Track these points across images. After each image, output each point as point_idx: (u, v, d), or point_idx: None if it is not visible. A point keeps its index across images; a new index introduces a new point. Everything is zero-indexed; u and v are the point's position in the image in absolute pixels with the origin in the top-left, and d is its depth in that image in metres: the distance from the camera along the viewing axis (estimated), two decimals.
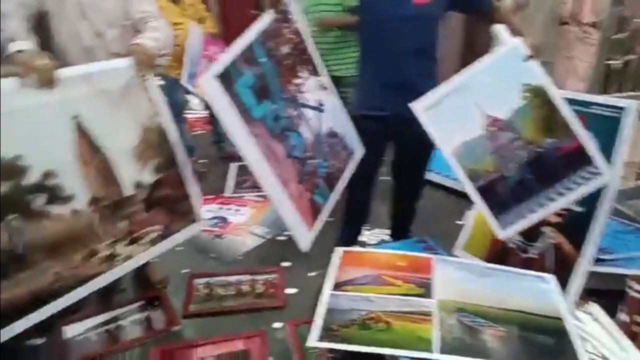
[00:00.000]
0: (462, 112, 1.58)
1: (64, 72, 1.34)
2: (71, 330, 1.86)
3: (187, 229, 1.66)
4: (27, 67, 1.26)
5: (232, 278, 2.19)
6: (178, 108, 2.89)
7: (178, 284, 2.16)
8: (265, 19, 1.49)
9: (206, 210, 2.75)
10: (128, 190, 1.48)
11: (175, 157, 1.62)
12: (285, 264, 2.31)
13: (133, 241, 1.48)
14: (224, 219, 2.80)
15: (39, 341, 1.83)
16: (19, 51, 1.32)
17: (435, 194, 2.88)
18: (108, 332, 1.87)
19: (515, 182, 1.62)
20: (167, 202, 1.58)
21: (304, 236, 1.54)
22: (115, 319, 1.93)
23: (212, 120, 3.46)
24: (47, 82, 1.28)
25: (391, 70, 1.78)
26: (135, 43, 1.54)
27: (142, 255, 1.51)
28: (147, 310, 1.99)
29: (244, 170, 3.28)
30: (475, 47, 3.87)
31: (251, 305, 2.00)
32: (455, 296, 1.47)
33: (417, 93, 1.59)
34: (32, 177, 1.25)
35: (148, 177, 1.53)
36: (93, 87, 1.40)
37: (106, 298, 1.94)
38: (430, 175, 2.65)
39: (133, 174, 1.49)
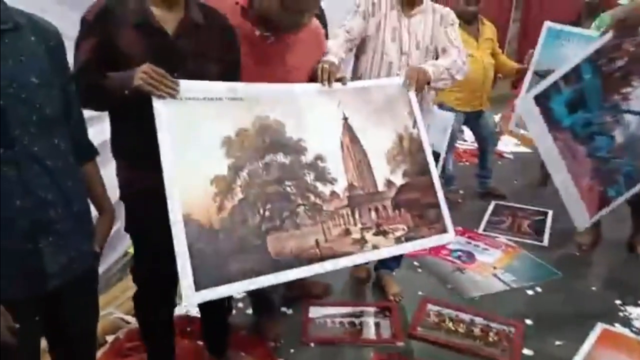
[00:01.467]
0: None
1: (352, 84, 1.69)
2: (315, 312, 2.24)
3: (434, 237, 1.68)
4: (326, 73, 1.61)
5: (466, 316, 2.18)
6: (450, 137, 3.04)
7: (410, 304, 2.30)
8: (604, 38, 1.71)
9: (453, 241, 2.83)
10: (379, 185, 1.63)
11: (428, 167, 1.73)
12: (528, 321, 2.20)
13: (380, 233, 1.58)
14: (470, 255, 2.81)
15: (289, 311, 2.28)
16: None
17: None
18: (342, 324, 2.17)
19: None
20: (415, 206, 1.66)
21: (581, 216, 1.81)
22: (351, 315, 2.22)
23: (482, 156, 3.57)
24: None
25: None
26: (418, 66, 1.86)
27: (386, 250, 1.59)
28: (379, 317, 2.18)
29: (502, 210, 3.35)
30: None
31: (480, 352, 1.95)
32: None
33: None
34: (308, 157, 1.53)
35: (398, 178, 1.66)
36: (364, 97, 1.69)
37: None
38: None
39: (384, 173, 1.65)
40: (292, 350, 2.05)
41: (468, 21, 3.14)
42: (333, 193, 1.55)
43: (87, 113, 1.31)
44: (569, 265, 2.70)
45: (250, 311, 2.24)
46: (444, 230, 1.70)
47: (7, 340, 1.02)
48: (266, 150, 1.48)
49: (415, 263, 2.74)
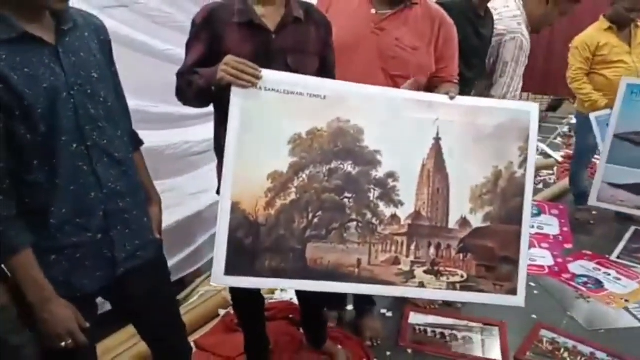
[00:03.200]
0: None
1: (462, 100, 1.47)
2: (415, 318, 2.23)
3: (497, 296, 1.49)
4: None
5: (586, 349, 2.01)
6: (587, 150, 2.99)
7: (521, 326, 2.16)
8: None
9: (578, 265, 2.75)
10: (451, 222, 1.45)
11: (520, 216, 1.48)
12: None
13: (433, 273, 1.45)
14: (598, 282, 2.58)
15: (389, 314, 2.30)
16: None
17: None
18: (442, 335, 2.12)
19: None
20: (485, 255, 1.47)
21: None
22: (452, 327, 2.16)
23: None
24: None
25: None
26: None
27: (433, 292, 1.46)
28: (485, 334, 2.10)
29: None
30: None
31: None
32: None
33: None
34: (380, 172, 1.41)
35: (477, 220, 1.46)
36: (472, 119, 1.46)
37: None
38: None
39: (462, 210, 1.46)
40: (388, 353, 2.05)
41: (622, 25, 2.90)
42: (394, 216, 1.43)
43: None
44: None
45: (351, 307, 2.29)
46: (512, 292, 1.49)
47: (81, 340, 1.08)
48: (335, 156, 1.40)
49: (532, 283, 2.51)
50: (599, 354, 1.96)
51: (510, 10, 2.20)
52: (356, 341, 2.07)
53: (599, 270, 2.68)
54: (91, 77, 1.06)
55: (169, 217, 1.98)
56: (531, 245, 2.81)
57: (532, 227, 3.07)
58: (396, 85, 1.63)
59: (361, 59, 1.65)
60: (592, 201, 2.56)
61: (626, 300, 2.37)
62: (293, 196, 1.38)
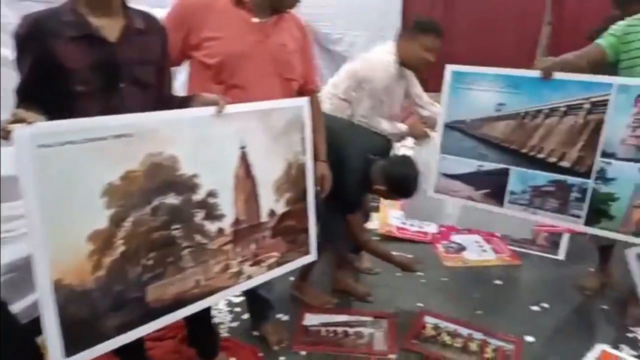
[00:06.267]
0: None
1: (243, 107, 1.49)
2: (310, 319, 2.25)
3: (299, 260, 1.79)
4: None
5: (465, 330, 2.16)
6: None
7: (409, 316, 2.30)
8: None
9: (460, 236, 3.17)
10: (263, 217, 1.62)
11: (306, 193, 1.75)
12: (530, 338, 2.17)
13: (256, 263, 1.62)
14: (461, 247, 3.09)
15: (285, 317, 2.29)
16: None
17: None
18: (335, 333, 2.15)
19: None
20: (290, 233, 1.71)
21: None
22: (346, 324, 2.21)
23: None
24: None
25: None
26: None
27: (259, 278, 1.64)
28: (375, 327, 2.19)
29: None
30: None
31: None
32: None
33: None
34: (200, 194, 1.41)
35: (280, 207, 1.66)
36: (263, 123, 1.55)
37: None
38: None
39: (269, 203, 1.63)
40: (281, 358, 2.03)
41: None
42: (220, 230, 1.49)
43: None
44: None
45: (247, 316, 2.22)
46: (307, 252, 1.82)
47: None
48: (156, 192, 1.31)
49: (419, 273, 2.63)
50: (475, 334, 2.12)
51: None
52: (249, 350, 2.05)
53: (478, 242, 3.10)
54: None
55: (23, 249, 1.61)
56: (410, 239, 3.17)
57: (413, 225, 3.33)
58: (291, 88, 1.75)
59: (257, 67, 1.65)
60: (430, 193, 2.40)
61: (464, 263, 2.85)
62: (121, 248, 1.26)
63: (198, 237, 1.43)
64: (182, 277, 1.41)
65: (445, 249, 3.05)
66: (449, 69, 2.23)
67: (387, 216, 3.41)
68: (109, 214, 1.22)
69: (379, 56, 2.40)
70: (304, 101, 1.69)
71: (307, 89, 1.86)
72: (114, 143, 1.20)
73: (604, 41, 2.08)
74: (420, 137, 2.67)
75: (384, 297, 2.49)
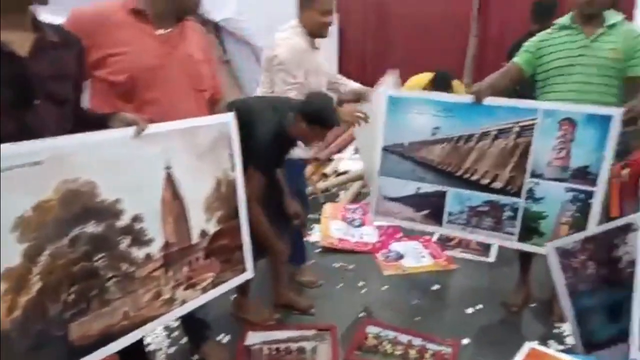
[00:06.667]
0: None
1: (166, 126, 1.44)
2: (252, 338, 2.18)
3: (236, 279, 1.75)
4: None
5: (405, 337, 2.18)
6: None
7: (352, 327, 2.29)
8: None
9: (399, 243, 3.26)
10: (194, 238, 1.57)
11: (238, 210, 1.72)
12: (466, 340, 2.23)
13: (190, 287, 1.57)
14: (399, 255, 3.15)
15: (226, 338, 2.21)
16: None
17: None
18: (277, 350, 2.10)
19: None
20: (224, 252, 1.68)
21: None
22: (288, 340, 2.16)
23: None
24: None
25: None
26: None
27: (194, 302, 1.59)
28: (318, 340, 2.15)
29: None
30: None
31: None
32: None
33: None
34: (124, 220, 1.35)
35: (212, 227, 1.63)
36: (188, 141, 1.52)
37: None
38: None
39: (200, 223, 1.58)
40: None
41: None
42: (148, 256, 1.43)
43: None
44: (510, 282, 2.63)
45: (185, 340, 2.14)
46: (244, 270, 1.79)
47: None
48: (74, 222, 1.24)
49: (360, 283, 2.73)
50: (414, 340, 2.17)
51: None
52: None
53: (417, 248, 3.15)
54: None
55: None
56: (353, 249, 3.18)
57: (354, 236, 3.33)
58: (203, 99, 1.71)
59: (168, 80, 1.60)
60: (372, 214, 2.47)
61: (403, 270, 2.91)
62: (38, 285, 1.17)
63: (124, 266, 1.37)
64: (109, 310, 1.33)
65: (384, 258, 3.09)
66: (385, 94, 2.29)
67: (329, 228, 3.42)
68: (21, 249, 1.13)
69: (283, 34, 2.37)
70: (229, 117, 1.67)
71: (215, 100, 1.84)
72: (22, 172, 1.12)
73: (519, 59, 2.24)
74: (354, 120, 2.42)
75: (327, 309, 2.49)
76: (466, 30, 5.01)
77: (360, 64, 5.69)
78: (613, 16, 2.11)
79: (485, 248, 3.18)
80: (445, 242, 3.29)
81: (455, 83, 3.62)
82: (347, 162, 4.46)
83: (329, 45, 4.72)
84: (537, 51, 2.20)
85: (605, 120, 1.95)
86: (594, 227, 2.00)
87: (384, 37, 5.54)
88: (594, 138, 1.98)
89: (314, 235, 3.33)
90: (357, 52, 5.72)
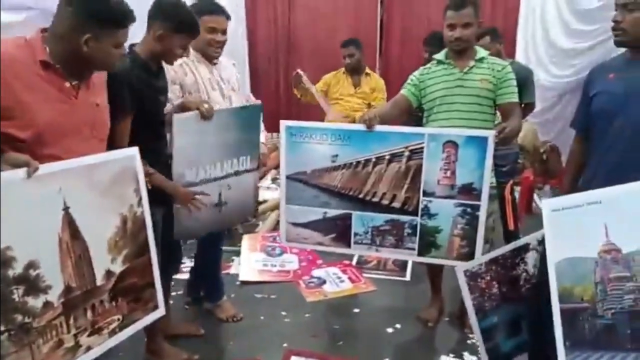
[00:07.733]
0: (585, 228, 1.46)
1: (62, 165, 1.40)
2: None
3: (147, 317, 1.69)
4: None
5: None
6: None
7: (276, 358, 2.29)
8: None
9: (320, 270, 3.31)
10: (99, 280, 1.50)
11: (147, 246, 1.68)
12: None
13: (95, 332, 1.49)
14: (321, 281, 3.21)
15: None
16: None
17: None
18: None
19: (605, 326, 1.44)
20: (132, 291, 1.62)
21: None
22: None
23: None
24: None
25: None
26: None
27: (101, 347, 1.51)
28: None
29: None
30: None
31: None
32: None
33: None
34: (17, 269, 1.26)
35: (118, 266, 1.57)
36: (87, 179, 1.47)
37: None
38: None
39: (105, 264, 1.52)
40: None
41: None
42: (47, 304, 1.34)
43: None
44: (426, 298, 2.74)
45: None
46: (155, 308, 1.73)
47: None
48: None
49: (283, 312, 2.71)
50: None
51: None
52: None
53: (336, 274, 3.23)
54: None
55: None
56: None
57: (275, 265, 3.34)
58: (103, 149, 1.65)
59: (74, 133, 1.54)
60: (283, 241, 2.51)
61: (325, 296, 2.97)
62: None
63: (19, 318, 1.28)
64: None
65: (306, 285, 3.13)
66: (283, 124, 2.37)
67: (249, 260, 3.40)
68: None
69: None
70: (134, 150, 1.64)
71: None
72: None
73: (406, 91, 2.46)
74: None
75: (250, 343, 2.47)
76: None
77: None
78: (481, 51, 2.39)
79: (401, 268, 3.32)
80: (363, 264, 3.40)
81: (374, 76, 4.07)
82: (265, 191, 4.49)
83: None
84: (421, 84, 2.43)
85: (482, 141, 2.15)
86: (481, 237, 2.23)
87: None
88: (474, 157, 2.18)
89: (234, 268, 3.29)
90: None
